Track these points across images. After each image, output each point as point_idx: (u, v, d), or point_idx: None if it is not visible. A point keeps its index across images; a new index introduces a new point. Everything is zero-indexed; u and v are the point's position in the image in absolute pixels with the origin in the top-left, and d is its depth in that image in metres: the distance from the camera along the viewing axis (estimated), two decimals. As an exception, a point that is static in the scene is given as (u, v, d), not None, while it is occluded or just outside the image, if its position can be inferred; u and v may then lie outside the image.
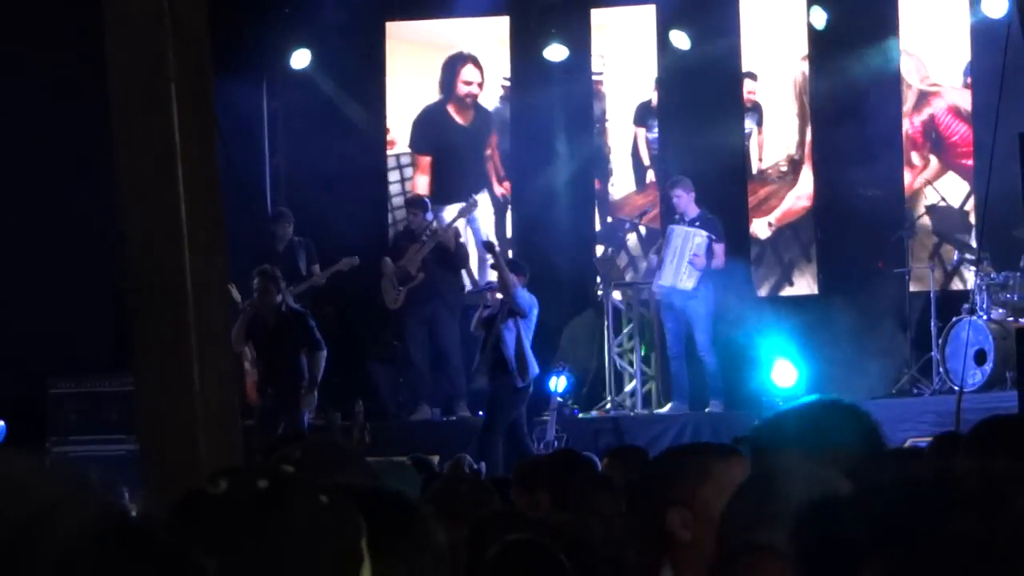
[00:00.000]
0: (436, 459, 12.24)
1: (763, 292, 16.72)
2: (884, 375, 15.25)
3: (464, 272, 16.12)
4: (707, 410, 15.24)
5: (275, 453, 3.89)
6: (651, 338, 15.93)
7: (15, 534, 1.71)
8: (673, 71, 16.96)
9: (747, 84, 16.94)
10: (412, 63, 17.67)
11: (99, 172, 7.27)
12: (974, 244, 15.69)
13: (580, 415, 15.67)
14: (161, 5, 5.74)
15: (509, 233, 17.43)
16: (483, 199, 17.19)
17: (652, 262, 15.90)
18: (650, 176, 17.33)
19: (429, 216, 16.04)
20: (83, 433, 14.35)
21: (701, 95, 16.66)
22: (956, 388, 13.02)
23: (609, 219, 17.46)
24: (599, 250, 17.37)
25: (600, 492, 6.50)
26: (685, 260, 15.21)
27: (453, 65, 17.59)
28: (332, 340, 14.54)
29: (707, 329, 15.26)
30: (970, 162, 16.27)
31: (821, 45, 16.55)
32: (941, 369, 14.70)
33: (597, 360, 16.13)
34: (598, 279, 16.69)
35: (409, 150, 17.68)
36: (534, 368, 14.52)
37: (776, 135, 16.95)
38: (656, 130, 17.27)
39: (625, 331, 16.09)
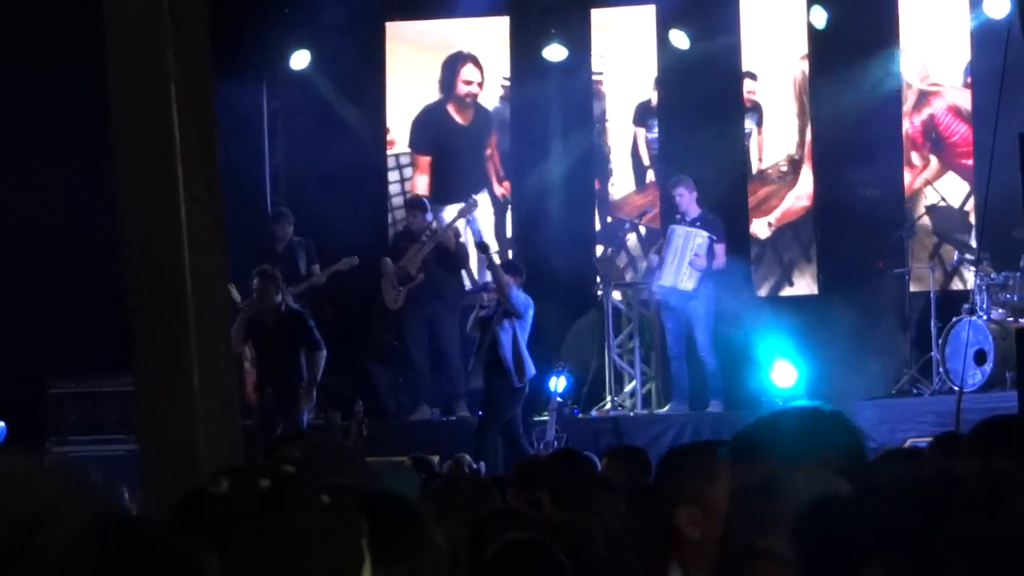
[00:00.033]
0: (436, 459, 12.24)
1: (763, 292, 16.71)
2: (884, 375, 15.26)
3: (464, 272, 16.11)
4: (707, 410, 15.25)
5: (274, 453, 3.89)
6: (651, 338, 15.93)
7: (15, 534, 1.71)
8: (673, 71, 16.96)
9: (747, 84, 16.94)
10: (412, 63, 17.66)
11: (99, 172, 7.27)
12: (974, 244, 15.69)
13: (580, 415, 15.67)
14: (161, 5, 5.74)
15: (509, 233, 17.43)
16: (483, 199, 17.19)
17: (652, 262, 15.89)
18: (650, 176, 17.33)
19: (429, 217, 16.05)
20: (83, 433, 14.35)
21: (701, 95, 16.66)
22: (956, 388, 13.03)
23: (609, 219, 17.45)
24: (599, 250, 17.37)
25: (600, 492, 6.49)
26: (686, 261, 15.20)
27: (453, 64, 17.60)
28: (332, 340, 14.54)
29: (708, 329, 15.27)
30: (970, 162, 16.27)
31: (821, 45, 16.54)
32: (941, 369, 14.70)
33: (597, 360, 16.13)
34: (598, 279, 16.69)
35: (409, 150, 17.68)
36: (531, 368, 14.53)
37: (776, 135, 16.95)
38: (656, 130, 17.27)
39: (625, 331, 16.09)
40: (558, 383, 15.16)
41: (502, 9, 17.47)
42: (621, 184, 17.43)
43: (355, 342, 16.33)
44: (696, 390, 15.42)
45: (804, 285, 16.77)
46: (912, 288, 15.74)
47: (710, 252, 15.19)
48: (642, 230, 17.21)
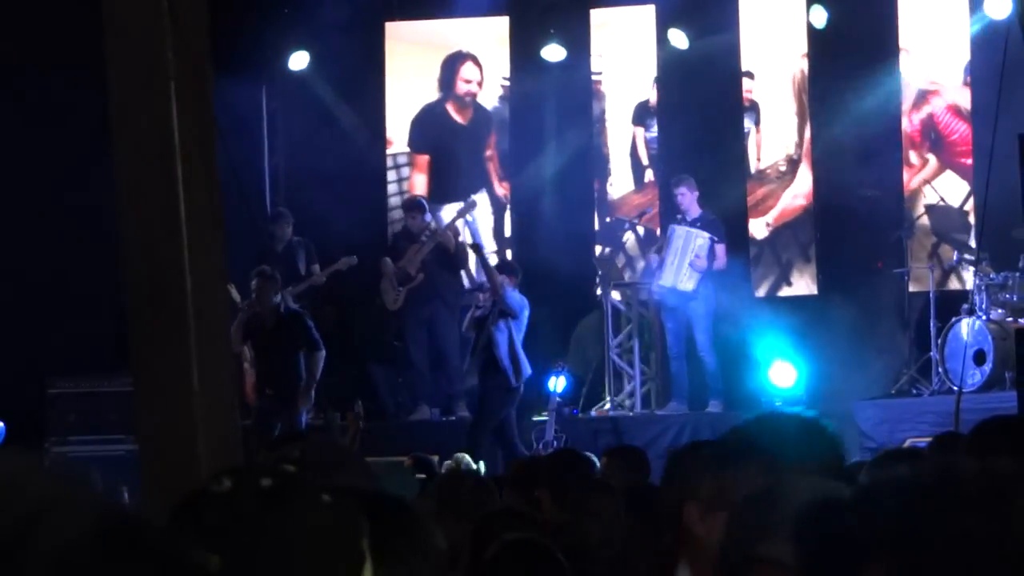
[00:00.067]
0: (435, 459, 12.25)
1: (761, 292, 16.70)
2: (883, 375, 15.26)
3: (464, 272, 16.11)
4: (706, 410, 15.25)
5: (274, 453, 3.89)
6: (650, 338, 15.92)
7: (14, 534, 1.71)
8: (672, 70, 16.96)
9: (745, 83, 16.93)
10: (411, 63, 17.66)
11: (99, 172, 7.27)
12: (973, 244, 15.68)
13: (579, 415, 15.67)
14: (161, 5, 5.74)
15: (508, 232, 17.43)
16: (482, 199, 17.19)
17: (652, 262, 15.88)
18: (649, 176, 17.33)
19: (427, 217, 16.05)
20: (83, 433, 14.34)
21: (700, 94, 16.65)
22: (955, 388, 13.02)
23: (608, 219, 17.45)
24: (598, 250, 17.36)
25: (599, 492, 6.49)
26: (686, 261, 15.19)
27: (453, 63, 17.60)
28: (332, 340, 14.54)
29: (707, 329, 15.26)
30: (969, 161, 16.26)
31: (821, 44, 16.53)
32: (940, 369, 14.70)
33: (597, 360, 16.13)
34: (597, 279, 16.69)
35: (407, 149, 17.67)
36: (527, 369, 14.53)
37: (775, 134, 16.94)
38: (655, 129, 17.26)
39: (624, 331, 16.08)
40: (557, 383, 15.16)
41: (501, 9, 17.47)
42: (620, 184, 17.42)
43: (355, 342, 16.34)
44: (696, 390, 15.42)
45: (803, 285, 16.76)
46: (911, 288, 15.73)
47: (711, 253, 15.17)
48: (640, 230, 17.20)
